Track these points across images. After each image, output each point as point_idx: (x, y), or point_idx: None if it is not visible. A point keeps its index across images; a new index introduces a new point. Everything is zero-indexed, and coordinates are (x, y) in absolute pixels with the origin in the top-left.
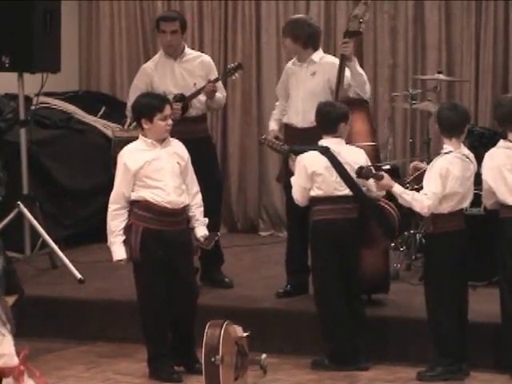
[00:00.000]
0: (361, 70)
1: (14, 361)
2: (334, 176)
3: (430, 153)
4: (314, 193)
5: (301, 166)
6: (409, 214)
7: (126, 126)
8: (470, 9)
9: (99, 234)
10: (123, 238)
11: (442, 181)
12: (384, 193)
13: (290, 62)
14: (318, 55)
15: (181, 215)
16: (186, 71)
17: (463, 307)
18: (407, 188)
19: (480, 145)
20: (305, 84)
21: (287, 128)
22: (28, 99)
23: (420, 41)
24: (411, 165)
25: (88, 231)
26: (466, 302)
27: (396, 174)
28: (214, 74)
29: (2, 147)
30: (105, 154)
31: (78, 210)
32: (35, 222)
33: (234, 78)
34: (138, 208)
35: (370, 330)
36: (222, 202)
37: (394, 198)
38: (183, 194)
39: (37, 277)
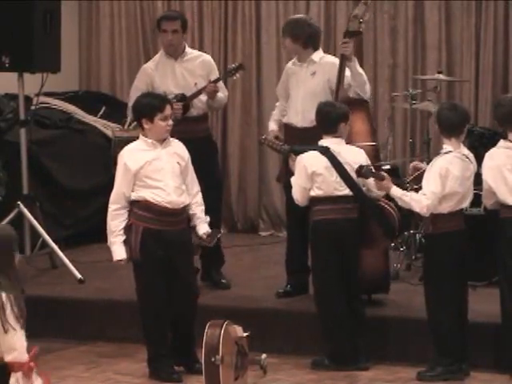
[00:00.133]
0: (361, 70)
1: (25, 357)
2: (334, 176)
3: (429, 153)
4: (314, 193)
5: (301, 165)
6: (409, 215)
7: (125, 126)
8: (470, 9)
9: (99, 233)
10: (123, 237)
11: (442, 180)
12: (384, 193)
13: (290, 62)
14: (318, 55)
15: (181, 215)
16: (187, 71)
17: (463, 307)
18: (407, 188)
19: (480, 145)
20: (305, 84)
21: (287, 128)
22: (28, 99)
23: (420, 41)
24: (411, 165)
25: (88, 231)
26: (466, 302)
27: (396, 174)
28: (215, 74)
29: (2, 147)
30: (105, 154)
31: (78, 209)
32: (35, 222)
33: (235, 78)
34: (138, 208)
35: (370, 330)
36: (222, 201)
37: (393, 198)
38: (183, 194)
39: (37, 277)
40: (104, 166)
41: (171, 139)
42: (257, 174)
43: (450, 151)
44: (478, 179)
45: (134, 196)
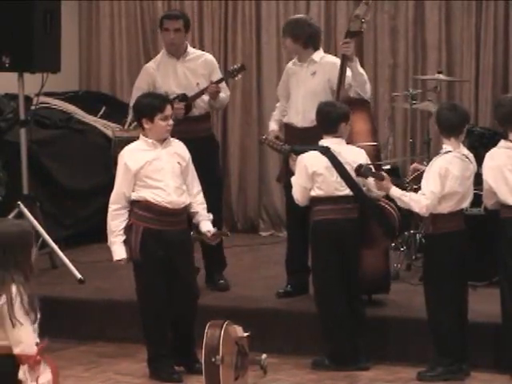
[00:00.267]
0: (362, 70)
1: (33, 350)
2: (335, 176)
3: (430, 153)
4: (315, 193)
5: (301, 165)
6: (409, 215)
7: (126, 126)
8: (471, 9)
9: (99, 234)
10: (123, 237)
11: (441, 180)
12: (384, 193)
13: (291, 63)
14: (319, 55)
15: (181, 215)
16: (189, 70)
17: (463, 307)
18: (406, 188)
19: (480, 145)
20: (305, 84)
21: (288, 128)
22: (28, 99)
23: (420, 41)
24: (411, 166)
25: (88, 231)
26: (466, 302)
27: (396, 174)
28: (217, 73)
29: (2, 147)
30: (105, 154)
31: (78, 209)
32: (35, 222)
33: (236, 79)
34: (138, 208)
35: (371, 330)
36: (222, 200)
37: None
38: (184, 194)
39: (37, 277)
40: (104, 166)
41: (172, 139)
42: (257, 174)
43: (450, 151)
44: (478, 179)
45: (134, 196)
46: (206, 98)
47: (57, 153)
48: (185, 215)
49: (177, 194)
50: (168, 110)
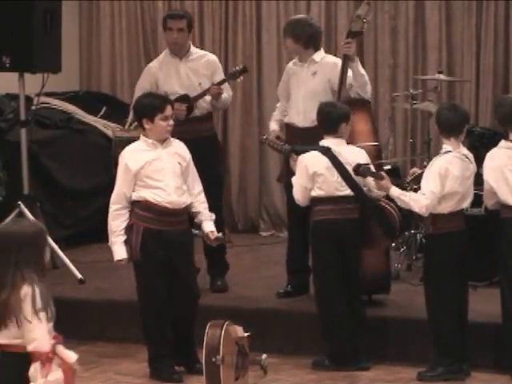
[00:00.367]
0: (363, 71)
1: (46, 347)
2: (335, 176)
3: (430, 153)
4: (315, 193)
5: (302, 165)
6: (409, 215)
7: (126, 126)
8: (471, 9)
9: (99, 233)
10: (124, 238)
11: (441, 180)
12: (385, 193)
13: (291, 63)
14: (320, 55)
15: (182, 215)
16: (192, 70)
17: (463, 307)
18: (406, 188)
19: (480, 145)
20: (306, 84)
21: (288, 128)
22: (29, 99)
23: (420, 41)
24: (411, 170)
25: (88, 231)
26: (466, 302)
27: (396, 174)
28: (220, 73)
29: (2, 147)
30: (105, 154)
31: (78, 209)
32: None
33: (238, 80)
34: (138, 208)
35: (371, 330)
36: (222, 200)
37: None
38: (184, 195)
39: None
40: (104, 166)
41: (172, 139)
42: (257, 174)
43: (450, 151)
44: (478, 179)
45: (134, 196)
46: (208, 98)
47: (57, 153)
48: (185, 215)
49: (177, 194)
50: (168, 111)
